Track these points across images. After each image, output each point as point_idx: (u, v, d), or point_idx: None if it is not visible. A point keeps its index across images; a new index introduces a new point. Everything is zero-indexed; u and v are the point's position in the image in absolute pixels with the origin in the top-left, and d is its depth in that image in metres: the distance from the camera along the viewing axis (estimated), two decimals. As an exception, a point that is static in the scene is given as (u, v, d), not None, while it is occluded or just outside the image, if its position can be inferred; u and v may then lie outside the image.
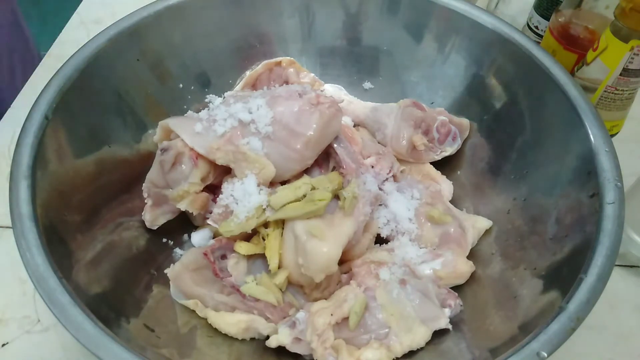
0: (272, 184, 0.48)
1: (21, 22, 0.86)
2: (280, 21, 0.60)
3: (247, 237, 0.47)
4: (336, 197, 0.46)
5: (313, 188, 0.45)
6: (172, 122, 0.50)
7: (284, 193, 0.45)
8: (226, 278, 0.44)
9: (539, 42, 0.66)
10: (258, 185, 0.46)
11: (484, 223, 0.51)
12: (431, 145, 0.56)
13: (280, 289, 0.45)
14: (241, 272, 0.45)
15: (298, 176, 0.48)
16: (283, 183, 0.48)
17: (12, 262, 0.50)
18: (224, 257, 0.46)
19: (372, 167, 0.52)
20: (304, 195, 0.45)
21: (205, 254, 0.45)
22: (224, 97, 0.57)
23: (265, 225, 0.46)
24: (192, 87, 0.58)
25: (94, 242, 0.44)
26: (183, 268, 0.45)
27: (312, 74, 0.61)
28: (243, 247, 0.46)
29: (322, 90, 0.60)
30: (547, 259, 0.44)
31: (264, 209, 0.45)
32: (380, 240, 0.50)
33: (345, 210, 0.45)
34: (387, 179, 0.52)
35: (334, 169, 0.49)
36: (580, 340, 0.46)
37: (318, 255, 0.42)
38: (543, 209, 0.48)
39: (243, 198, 0.46)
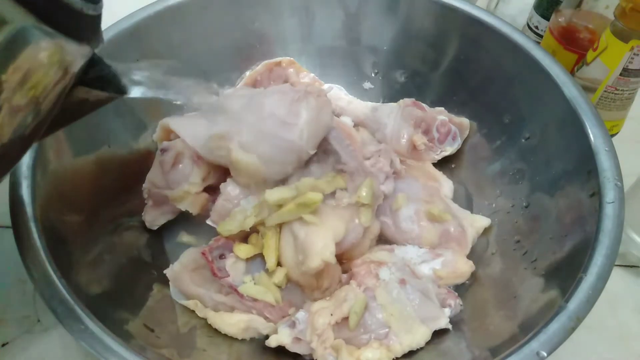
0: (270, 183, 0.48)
1: None
2: (280, 21, 0.60)
3: (246, 236, 0.47)
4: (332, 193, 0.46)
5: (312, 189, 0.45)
6: (173, 122, 0.50)
7: (280, 189, 0.45)
8: (224, 278, 0.44)
9: (539, 42, 0.66)
10: (246, 187, 0.46)
11: (482, 222, 0.51)
12: (431, 144, 0.56)
13: (280, 287, 0.45)
14: (239, 272, 0.45)
15: (298, 174, 0.48)
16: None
17: (12, 262, 0.50)
18: (222, 256, 0.46)
19: (373, 165, 0.52)
20: (299, 194, 0.45)
21: (203, 254, 0.45)
22: None
23: (264, 223, 0.46)
24: (192, 88, 0.58)
25: (94, 242, 0.45)
26: (182, 268, 0.46)
27: (312, 74, 0.61)
28: (242, 251, 0.46)
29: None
30: (547, 259, 0.44)
31: (262, 208, 0.45)
32: (380, 240, 0.50)
33: (368, 207, 0.45)
34: (387, 177, 0.52)
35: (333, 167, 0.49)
36: (580, 340, 0.46)
37: (314, 238, 0.42)
38: (543, 208, 0.48)
39: (241, 197, 0.46)
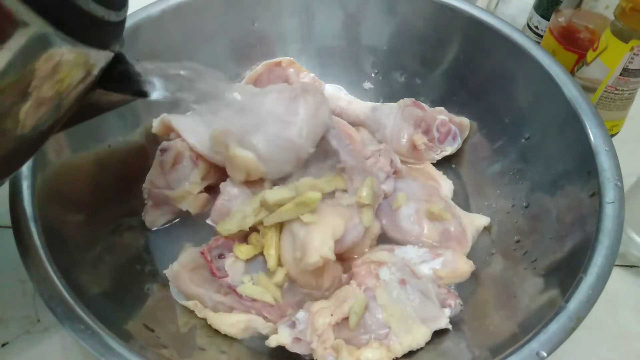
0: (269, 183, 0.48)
1: None
2: (280, 21, 0.60)
3: (245, 235, 0.47)
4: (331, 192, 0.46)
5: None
6: (174, 120, 0.50)
7: (279, 189, 0.45)
8: (223, 278, 0.44)
9: (539, 42, 0.66)
10: (244, 183, 0.46)
11: (482, 220, 0.51)
12: (431, 144, 0.56)
13: (280, 287, 0.45)
14: (238, 272, 0.45)
15: (298, 175, 0.48)
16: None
17: (12, 262, 0.50)
18: (221, 256, 0.46)
19: (373, 165, 0.52)
20: (298, 194, 0.45)
21: (202, 253, 0.45)
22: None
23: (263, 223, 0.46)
24: (192, 87, 0.58)
25: (94, 242, 0.45)
26: (181, 268, 0.46)
27: (312, 74, 0.61)
28: (243, 252, 0.46)
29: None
30: (547, 258, 0.44)
31: (261, 207, 0.45)
32: (380, 239, 0.50)
33: (369, 207, 0.45)
34: (388, 176, 0.52)
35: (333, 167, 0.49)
36: (580, 340, 0.46)
37: (312, 235, 0.42)
38: (543, 208, 0.48)
39: (241, 197, 0.46)
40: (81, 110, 0.30)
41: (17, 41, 0.22)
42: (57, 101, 0.26)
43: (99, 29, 0.25)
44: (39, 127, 0.26)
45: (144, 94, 0.31)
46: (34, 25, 0.22)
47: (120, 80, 0.30)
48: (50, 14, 0.22)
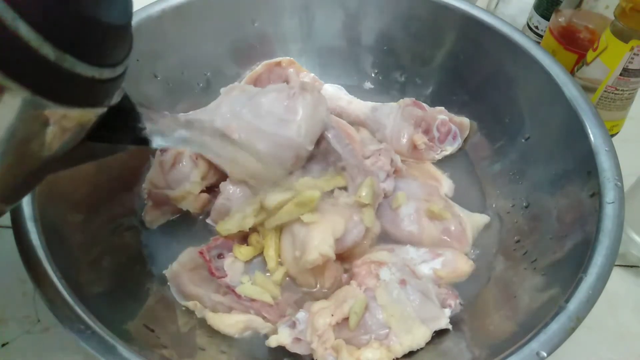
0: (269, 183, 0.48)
1: None
2: (280, 21, 0.60)
3: (245, 235, 0.47)
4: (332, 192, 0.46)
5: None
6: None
7: (277, 193, 0.45)
8: (221, 278, 0.44)
9: (539, 42, 0.66)
10: (243, 184, 0.46)
11: (482, 219, 0.51)
12: (431, 144, 0.56)
13: (279, 285, 0.45)
14: (237, 272, 0.45)
15: (297, 175, 0.48)
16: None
17: (12, 262, 0.50)
18: (220, 256, 0.46)
19: (373, 164, 0.52)
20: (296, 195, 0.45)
21: (201, 253, 0.45)
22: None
23: (264, 224, 0.46)
24: (193, 88, 0.58)
25: (94, 242, 0.45)
26: (180, 268, 0.46)
27: (312, 74, 0.61)
28: (243, 253, 0.46)
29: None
30: (547, 258, 0.44)
31: (261, 208, 0.45)
32: (381, 238, 0.50)
33: (370, 207, 0.46)
34: (388, 176, 0.52)
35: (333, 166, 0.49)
36: (580, 340, 0.46)
37: (313, 233, 0.42)
38: (543, 208, 0.48)
39: (240, 197, 0.46)
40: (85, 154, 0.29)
41: (10, 101, 0.21)
42: (79, 128, 0.25)
43: (90, 89, 0.23)
44: (63, 149, 0.25)
45: (145, 143, 0.31)
46: (19, 92, 0.21)
47: (120, 130, 0.29)
48: (32, 82, 0.21)
